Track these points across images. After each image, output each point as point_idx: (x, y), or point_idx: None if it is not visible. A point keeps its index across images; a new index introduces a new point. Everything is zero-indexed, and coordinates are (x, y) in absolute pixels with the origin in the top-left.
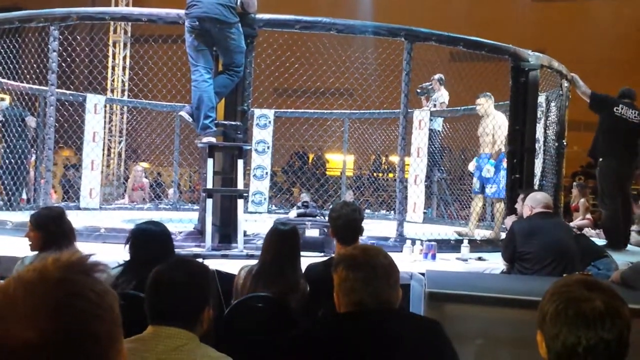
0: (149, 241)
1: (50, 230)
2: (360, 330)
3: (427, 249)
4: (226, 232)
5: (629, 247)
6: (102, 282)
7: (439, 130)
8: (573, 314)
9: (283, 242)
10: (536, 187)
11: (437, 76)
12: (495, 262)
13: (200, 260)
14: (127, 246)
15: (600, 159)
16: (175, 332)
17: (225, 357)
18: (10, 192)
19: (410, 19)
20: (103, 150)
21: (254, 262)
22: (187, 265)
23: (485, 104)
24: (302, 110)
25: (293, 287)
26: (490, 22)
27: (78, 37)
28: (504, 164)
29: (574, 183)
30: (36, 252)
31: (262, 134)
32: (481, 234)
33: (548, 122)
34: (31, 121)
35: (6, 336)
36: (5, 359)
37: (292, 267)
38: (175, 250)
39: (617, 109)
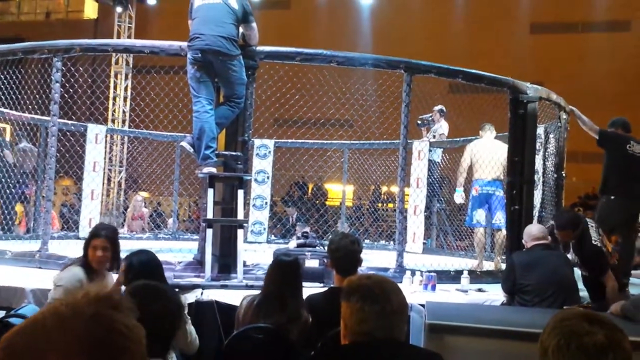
0: (142, 270)
1: None
2: None
3: (427, 279)
4: (226, 262)
5: (632, 280)
6: (131, 316)
7: (438, 161)
8: (575, 347)
9: (285, 273)
10: (535, 218)
11: (437, 107)
12: (495, 294)
13: (200, 290)
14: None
15: (612, 197)
16: None
17: None
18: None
19: (409, 52)
20: (103, 179)
21: (255, 292)
22: (160, 296)
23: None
24: (302, 141)
25: (294, 318)
26: (488, 54)
27: (80, 68)
28: (473, 192)
29: None
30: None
31: (262, 164)
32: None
33: (547, 153)
34: (7, 155)
35: None
36: None
37: (294, 297)
38: (175, 280)
39: (629, 147)
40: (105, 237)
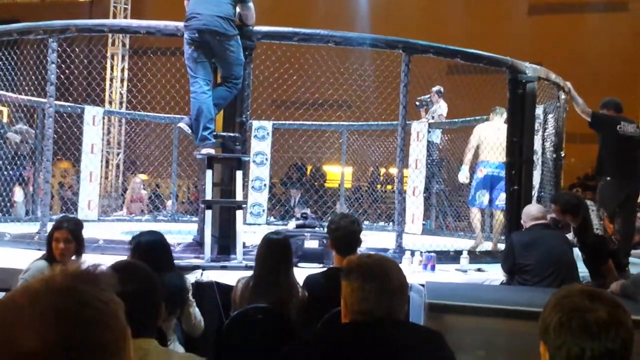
0: (149, 251)
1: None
2: (366, 339)
3: (427, 260)
4: (225, 243)
5: (632, 259)
6: (109, 290)
7: (437, 142)
8: (577, 324)
9: (276, 252)
10: (534, 199)
11: (435, 88)
12: (494, 274)
13: (199, 271)
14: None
15: (608, 179)
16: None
17: (193, 356)
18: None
19: (407, 33)
20: (101, 162)
21: (251, 273)
22: (134, 273)
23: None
24: (301, 122)
25: (290, 296)
26: (486, 35)
27: (76, 49)
28: (479, 174)
29: None
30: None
31: (261, 146)
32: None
33: (546, 134)
34: (13, 137)
35: (11, 344)
36: None
37: (287, 275)
38: (175, 261)
39: (620, 127)
40: (67, 229)
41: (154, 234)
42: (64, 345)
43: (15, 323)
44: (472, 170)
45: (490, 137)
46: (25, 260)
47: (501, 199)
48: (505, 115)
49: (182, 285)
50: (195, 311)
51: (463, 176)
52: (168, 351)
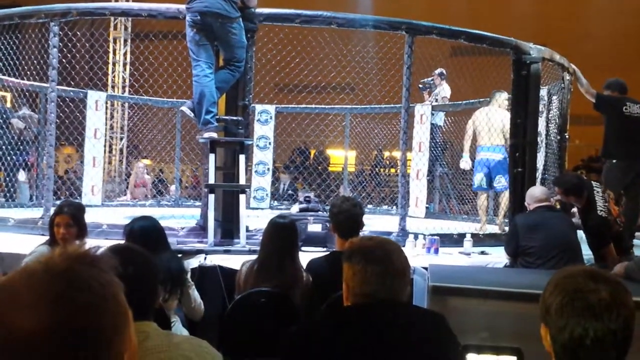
0: (143, 236)
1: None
2: (368, 322)
3: (430, 243)
4: (228, 227)
5: (636, 241)
6: (107, 272)
7: (440, 125)
8: (579, 305)
9: (282, 235)
10: (538, 180)
11: (438, 71)
12: (498, 256)
13: (203, 255)
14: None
15: (614, 161)
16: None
17: (193, 338)
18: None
19: (410, 15)
20: (105, 147)
21: (256, 257)
22: (131, 257)
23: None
24: (304, 106)
25: (294, 281)
26: (490, 16)
27: (78, 33)
28: (478, 157)
29: None
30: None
31: (264, 130)
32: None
33: (550, 115)
34: (17, 123)
35: (8, 326)
36: (7, 349)
37: (292, 260)
38: (178, 245)
39: (625, 108)
40: (67, 213)
41: (147, 219)
42: (61, 327)
43: (13, 305)
44: (473, 157)
45: (484, 122)
46: (29, 245)
47: (498, 181)
48: (500, 100)
49: (179, 266)
50: (195, 294)
51: (464, 163)
52: (169, 334)
